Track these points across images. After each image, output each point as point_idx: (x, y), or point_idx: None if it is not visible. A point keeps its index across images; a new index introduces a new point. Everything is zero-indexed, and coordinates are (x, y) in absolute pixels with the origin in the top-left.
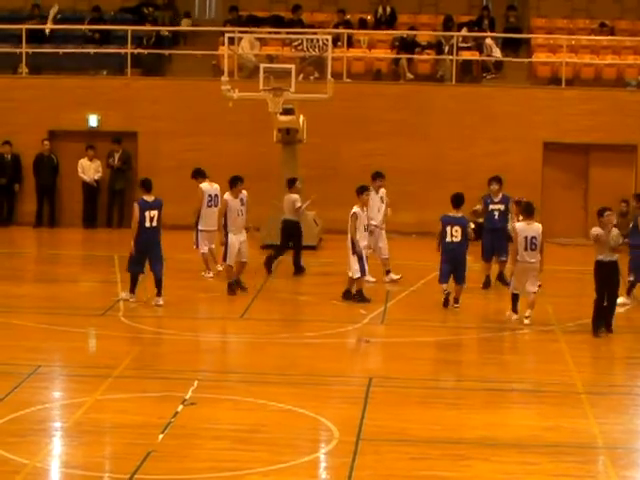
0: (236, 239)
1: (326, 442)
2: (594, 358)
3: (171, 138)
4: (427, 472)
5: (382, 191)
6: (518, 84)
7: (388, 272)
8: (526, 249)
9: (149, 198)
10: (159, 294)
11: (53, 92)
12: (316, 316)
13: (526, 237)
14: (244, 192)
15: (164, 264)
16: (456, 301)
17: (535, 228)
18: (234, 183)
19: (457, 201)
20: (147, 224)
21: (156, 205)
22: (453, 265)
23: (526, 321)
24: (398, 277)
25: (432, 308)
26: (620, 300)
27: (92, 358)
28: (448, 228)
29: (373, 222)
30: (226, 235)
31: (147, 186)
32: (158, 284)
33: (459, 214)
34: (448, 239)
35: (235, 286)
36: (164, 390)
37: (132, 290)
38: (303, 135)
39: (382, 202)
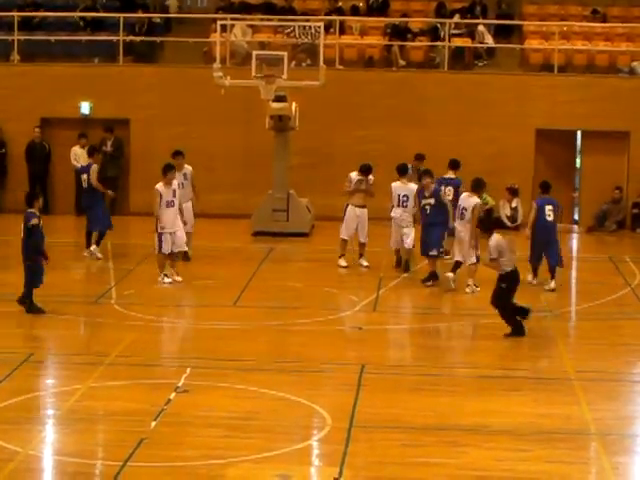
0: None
1: (319, 429)
2: (586, 345)
3: (163, 125)
4: (420, 459)
5: (370, 178)
6: (510, 71)
7: (360, 255)
8: (454, 219)
9: (84, 163)
10: (89, 245)
11: (45, 80)
12: (309, 303)
13: (458, 206)
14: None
15: (101, 224)
16: (447, 253)
17: (470, 202)
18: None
19: (453, 164)
20: (84, 185)
21: (85, 170)
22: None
23: (451, 281)
24: (367, 264)
25: (425, 295)
26: (552, 285)
27: (85, 345)
28: (442, 187)
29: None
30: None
31: (88, 152)
32: (89, 236)
33: (454, 176)
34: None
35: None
36: (157, 377)
37: (88, 245)
38: (295, 122)
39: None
